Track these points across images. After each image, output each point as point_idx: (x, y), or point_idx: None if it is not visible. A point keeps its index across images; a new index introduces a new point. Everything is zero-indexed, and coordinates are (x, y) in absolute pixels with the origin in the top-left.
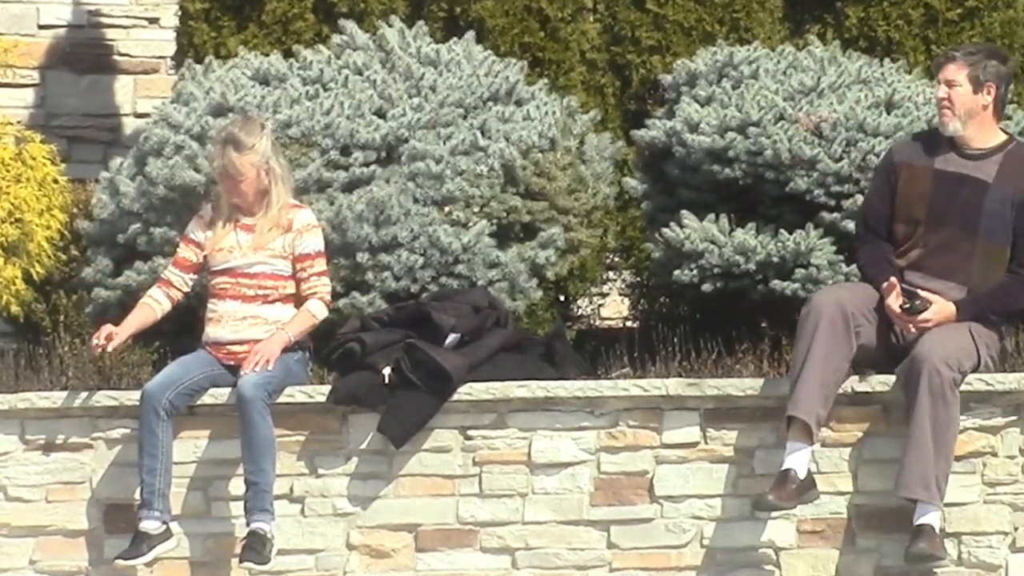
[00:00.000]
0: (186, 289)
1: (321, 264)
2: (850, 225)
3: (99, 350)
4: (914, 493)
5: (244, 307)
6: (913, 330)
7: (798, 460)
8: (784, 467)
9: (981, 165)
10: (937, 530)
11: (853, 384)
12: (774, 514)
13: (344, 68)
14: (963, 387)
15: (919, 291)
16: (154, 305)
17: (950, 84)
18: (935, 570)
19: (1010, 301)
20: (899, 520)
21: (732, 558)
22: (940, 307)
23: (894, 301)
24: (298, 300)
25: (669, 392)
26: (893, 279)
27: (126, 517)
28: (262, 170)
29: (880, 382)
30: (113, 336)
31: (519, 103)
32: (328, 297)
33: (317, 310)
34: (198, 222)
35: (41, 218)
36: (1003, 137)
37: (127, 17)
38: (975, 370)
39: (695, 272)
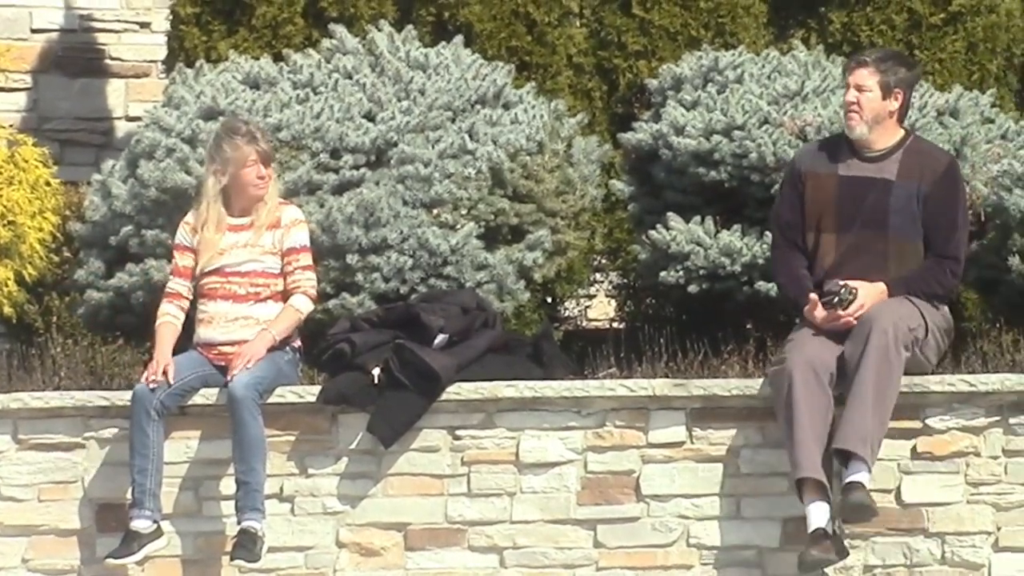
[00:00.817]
0: (191, 296)
1: (307, 258)
2: None
3: (157, 384)
4: (851, 445)
5: (235, 307)
6: (854, 321)
7: (822, 516)
8: (813, 527)
9: (883, 165)
10: (867, 487)
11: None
12: (759, 513)
13: (334, 72)
14: (946, 388)
15: (838, 282)
16: (174, 322)
17: (860, 88)
18: (919, 569)
19: (934, 285)
20: (885, 519)
21: (718, 557)
22: (868, 290)
23: (820, 312)
24: (287, 296)
25: (655, 392)
26: (812, 296)
27: (118, 516)
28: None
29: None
30: (168, 370)
31: (507, 107)
32: (312, 292)
33: (301, 305)
34: (186, 228)
35: (33, 220)
36: (901, 134)
37: (119, 21)
38: (923, 340)
39: (681, 274)
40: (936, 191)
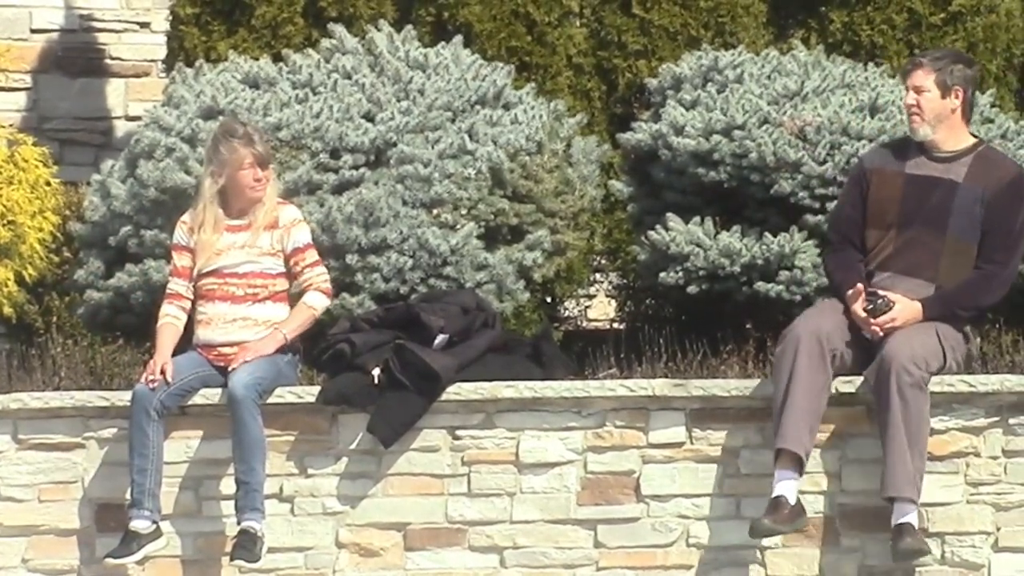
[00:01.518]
0: (192, 296)
1: (313, 255)
2: None
3: (156, 384)
4: (905, 492)
5: (233, 308)
6: (880, 333)
7: (788, 488)
8: (775, 494)
9: (951, 167)
10: (917, 527)
11: (837, 385)
12: (759, 513)
13: (333, 72)
14: (946, 388)
15: (879, 292)
16: (176, 322)
17: (918, 90)
18: (919, 569)
19: (976, 297)
20: (883, 519)
21: (718, 557)
22: (904, 306)
23: (859, 306)
24: (291, 298)
25: (655, 393)
26: (859, 285)
27: (117, 516)
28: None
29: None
30: (165, 369)
31: (506, 107)
32: (326, 286)
33: (315, 302)
34: (183, 228)
35: (33, 220)
36: (972, 140)
37: (119, 21)
38: (940, 371)
39: (680, 274)
40: (998, 198)
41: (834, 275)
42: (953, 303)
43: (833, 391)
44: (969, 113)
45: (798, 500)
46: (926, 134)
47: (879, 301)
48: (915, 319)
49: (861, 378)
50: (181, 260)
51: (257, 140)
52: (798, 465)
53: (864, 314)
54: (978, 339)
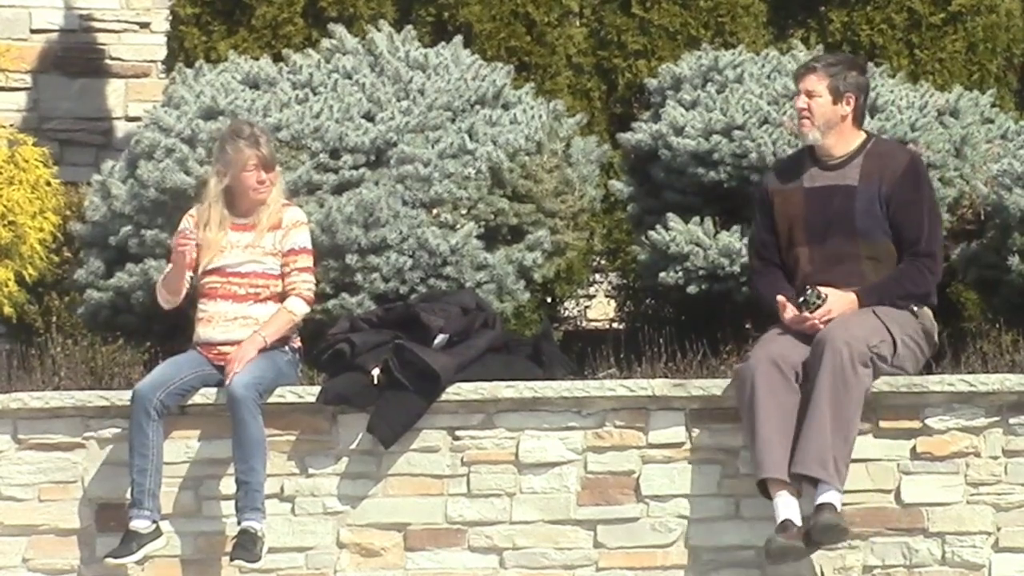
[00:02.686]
0: (187, 284)
1: (306, 260)
2: None
3: (188, 245)
4: (809, 470)
5: (234, 307)
6: (821, 326)
7: (791, 510)
8: (781, 517)
9: (845, 172)
10: (838, 509)
11: None
12: (758, 514)
13: (333, 72)
14: (946, 388)
15: (808, 287)
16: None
17: (810, 94)
18: (919, 570)
19: (910, 286)
20: (883, 519)
21: (717, 557)
22: (838, 298)
23: (790, 312)
24: (284, 298)
25: (655, 393)
26: (780, 296)
27: (117, 516)
28: (276, 165)
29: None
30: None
31: (506, 107)
32: (308, 294)
33: (295, 307)
34: (190, 221)
35: (34, 220)
36: (861, 138)
37: (118, 21)
38: (895, 353)
39: (680, 274)
40: (898, 190)
41: (766, 297)
42: (888, 292)
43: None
44: (861, 119)
45: (803, 519)
46: (815, 138)
47: (810, 293)
48: (850, 309)
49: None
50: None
51: (263, 142)
52: (789, 486)
53: (799, 315)
54: (928, 311)
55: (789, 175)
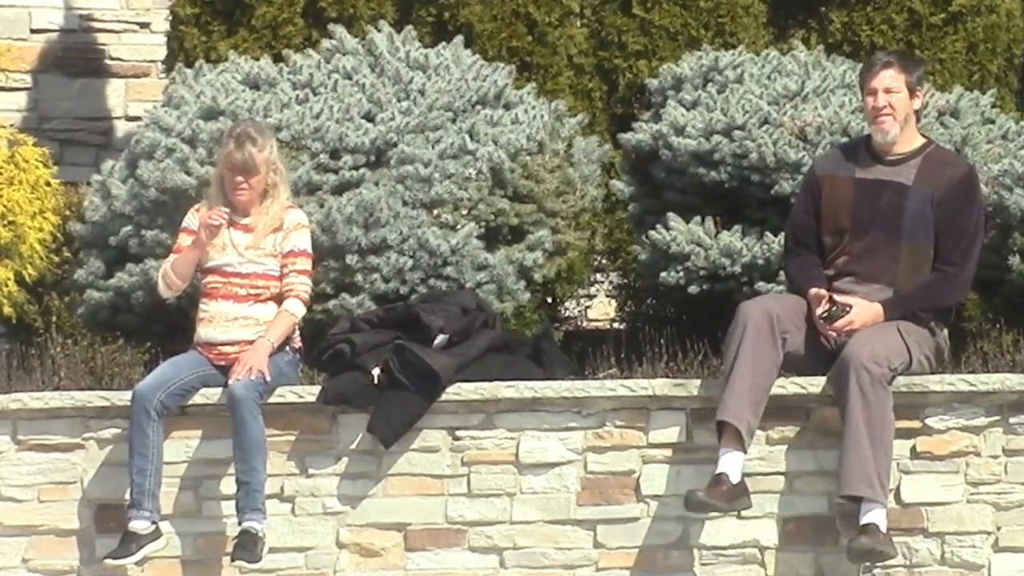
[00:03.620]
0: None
1: (304, 263)
2: None
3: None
4: (857, 490)
5: (235, 307)
6: (842, 336)
7: (731, 465)
8: (717, 470)
9: (901, 170)
10: (883, 528)
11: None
12: (759, 513)
13: (333, 72)
14: (946, 388)
15: (835, 297)
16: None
17: (889, 91)
18: (919, 570)
19: (936, 299)
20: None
21: (717, 557)
22: (862, 309)
23: (819, 311)
24: (282, 299)
25: (655, 392)
26: (821, 289)
27: (117, 517)
28: (271, 169)
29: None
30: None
31: (507, 107)
32: (306, 296)
33: (295, 309)
34: (195, 215)
35: (34, 220)
36: (922, 141)
37: (118, 22)
38: (907, 369)
39: (681, 274)
40: (949, 198)
41: (796, 277)
42: (913, 304)
43: (831, 391)
44: (922, 114)
45: (742, 479)
46: (895, 135)
47: (834, 308)
48: (875, 320)
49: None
50: (185, 241)
51: (246, 146)
52: (740, 441)
53: (821, 320)
54: (944, 331)
55: (842, 163)
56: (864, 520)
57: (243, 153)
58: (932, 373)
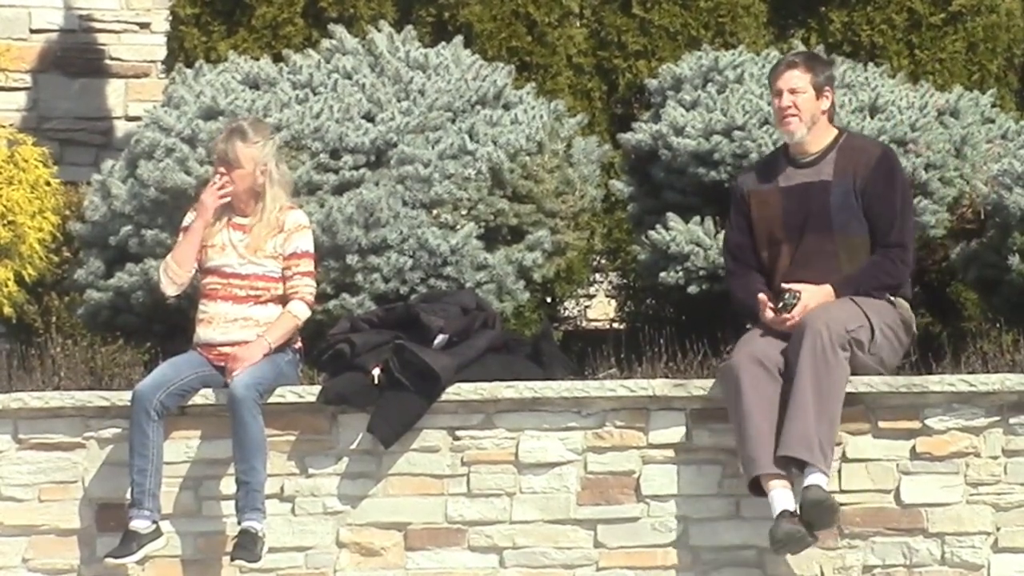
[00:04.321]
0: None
1: (307, 264)
2: None
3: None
4: (794, 451)
5: (235, 308)
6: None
7: (788, 502)
8: (779, 509)
9: (820, 168)
10: (825, 488)
11: None
12: (758, 514)
13: (333, 72)
14: (946, 388)
15: (783, 286)
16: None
17: (794, 91)
18: (919, 569)
19: (884, 277)
20: (883, 519)
21: (717, 557)
22: (813, 291)
23: (769, 314)
24: (286, 300)
25: (655, 393)
26: (762, 296)
27: (118, 516)
28: (259, 168)
29: (864, 383)
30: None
31: (507, 107)
32: (310, 298)
33: (298, 311)
34: (194, 215)
35: (33, 220)
36: (834, 134)
37: (118, 22)
38: (872, 336)
39: (681, 274)
40: (871, 183)
41: (744, 301)
42: (863, 284)
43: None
44: (834, 114)
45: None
46: (802, 136)
47: (786, 296)
48: (827, 299)
49: (858, 378)
50: None
51: (231, 139)
52: (781, 477)
53: (778, 316)
54: (906, 303)
55: (765, 176)
56: (808, 482)
57: (226, 144)
58: (907, 348)
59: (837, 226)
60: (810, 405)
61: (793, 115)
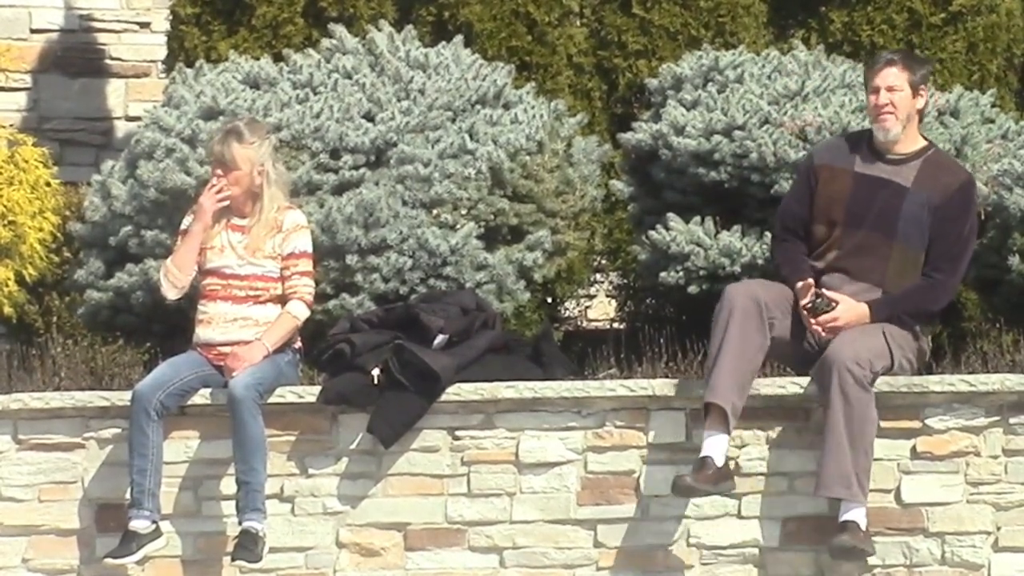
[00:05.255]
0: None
1: (306, 264)
2: None
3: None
4: (834, 492)
5: (234, 308)
6: (824, 334)
7: (716, 448)
8: (702, 454)
9: (900, 170)
10: (862, 527)
11: None
12: (758, 513)
13: (333, 72)
14: (946, 388)
15: (824, 292)
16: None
17: (891, 89)
18: (919, 569)
19: (923, 303)
20: (883, 519)
21: (718, 557)
22: (849, 307)
23: (803, 301)
24: (285, 300)
25: (655, 392)
26: (809, 280)
27: (117, 516)
28: (256, 169)
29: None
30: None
31: (507, 106)
32: (309, 298)
33: (297, 311)
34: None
35: (34, 220)
36: (923, 143)
37: (118, 21)
38: (888, 371)
39: (681, 274)
40: (946, 206)
41: (784, 266)
42: (900, 308)
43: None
44: (923, 116)
45: (727, 462)
46: (897, 134)
47: (819, 300)
48: (860, 321)
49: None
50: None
51: (227, 140)
52: (726, 423)
53: (806, 311)
54: (929, 338)
55: (842, 155)
56: (843, 518)
57: (222, 146)
58: (912, 374)
59: (900, 233)
60: (844, 442)
61: (890, 112)
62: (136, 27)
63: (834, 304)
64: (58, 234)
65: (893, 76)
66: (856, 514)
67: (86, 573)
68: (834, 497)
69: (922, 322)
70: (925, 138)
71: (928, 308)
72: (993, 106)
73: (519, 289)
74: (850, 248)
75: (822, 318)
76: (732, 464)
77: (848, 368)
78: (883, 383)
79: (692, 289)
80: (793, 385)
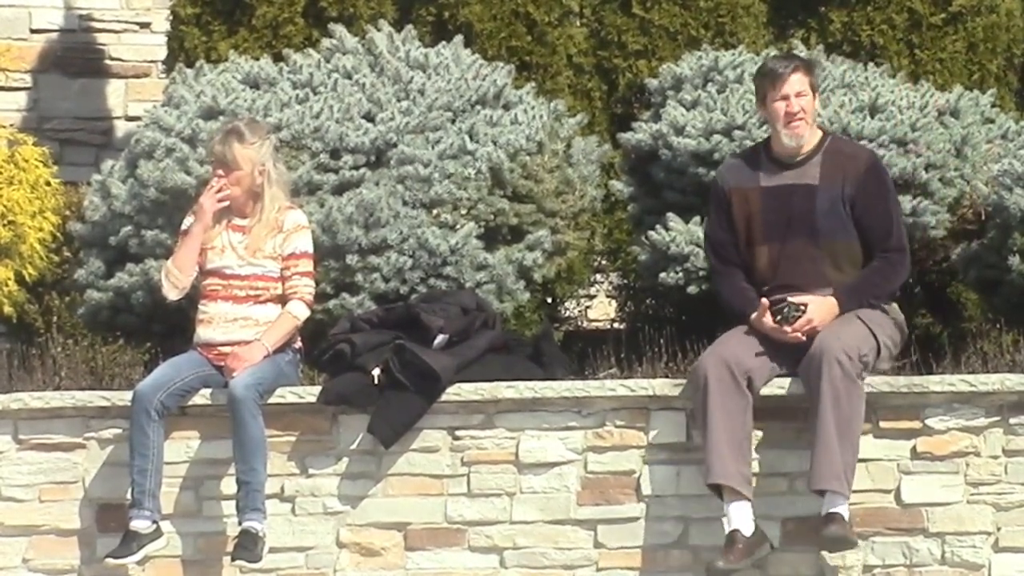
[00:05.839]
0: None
1: (306, 265)
2: None
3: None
4: (829, 485)
5: (235, 308)
6: (803, 337)
7: (741, 517)
8: (729, 528)
9: (805, 170)
10: (846, 518)
11: None
12: (759, 514)
13: (333, 72)
14: (946, 388)
15: (787, 297)
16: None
17: (800, 95)
18: (919, 569)
19: (886, 283)
20: (883, 519)
21: (717, 557)
22: (818, 304)
23: (768, 320)
24: (285, 300)
25: (655, 392)
26: (763, 301)
27: (118, 516)
28: (257, 169)
29: (864, 383)
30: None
31: (507, 107)
32: (309, 298)
33: (298, 311)
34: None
35: (34, 220)
36: (819, 135)
37: (118, 22)
38: (877, 355)
39: (681, 274)
40: (862, 192)
41: (732, 302)
42: (865, 293)
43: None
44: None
45: (756, 527)
46: (807, 138)
47: (786, 308)
48: (832, 314)
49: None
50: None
51: (228, 140)
52: (740, 492)
53: (774, 326)
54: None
55: (746, 173)
56: (831, 510)
57: (223, 146)
58: (901, 352)
59: (823, 232)
60: (834, 437)
61: (802, 119)
62: (136, 27)
63: (803, 307)
64: (58, 234)
65: (799, 82)
66: (842, 507)
67: (87, 573)
68: (828, 490)
69: (886, 301)
70: (822, 128)
71: (892, 286)
72: (993, 106)
73: (519, 289)
74: (784, 263)
75: (797, 324)
76: None
77: (838, 360)
78: (883, 383)
79: (692, 289)
80: (793, 385)
